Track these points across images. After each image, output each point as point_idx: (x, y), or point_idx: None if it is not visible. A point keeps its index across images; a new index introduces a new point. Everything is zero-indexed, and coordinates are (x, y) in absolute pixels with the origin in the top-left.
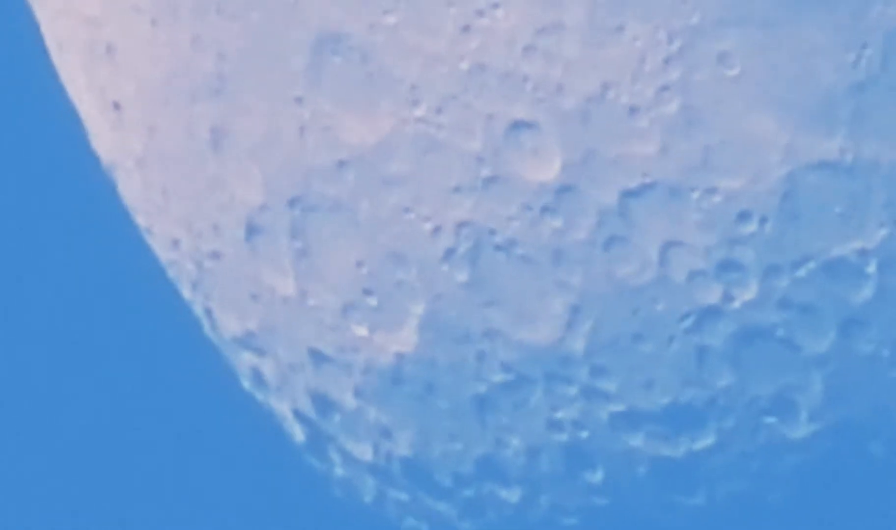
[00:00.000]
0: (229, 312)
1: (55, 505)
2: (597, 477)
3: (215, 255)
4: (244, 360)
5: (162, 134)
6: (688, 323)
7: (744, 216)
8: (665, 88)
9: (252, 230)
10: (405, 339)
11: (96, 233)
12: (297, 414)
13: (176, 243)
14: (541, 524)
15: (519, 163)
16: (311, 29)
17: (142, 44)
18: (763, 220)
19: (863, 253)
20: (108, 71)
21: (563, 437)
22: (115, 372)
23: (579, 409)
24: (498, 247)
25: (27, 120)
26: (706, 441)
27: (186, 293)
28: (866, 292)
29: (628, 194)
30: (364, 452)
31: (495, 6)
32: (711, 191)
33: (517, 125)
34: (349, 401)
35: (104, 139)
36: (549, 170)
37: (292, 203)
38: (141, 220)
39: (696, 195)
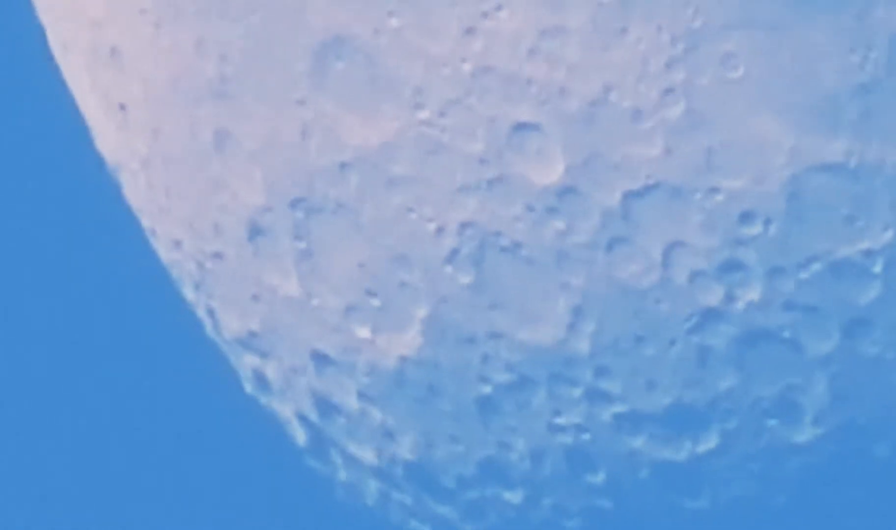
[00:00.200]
0: (232, 313)
1: (57, 507)
2: (599, 479)
3: (218, 256)
4: (246, 362)
5: (166, 135)
6: (691, 324)
7: (748, 217)
8: (669, 91)
9: (255, 231)
10: (408, 341)
11: (101, 234)
12: (300, 417)
13: (179, 244)
14: (543, 526)
15: (522, 164)
16: (315, 31)
17: (146, 46)
18: (767, 222)
19: (868, 254)
20: (113, 73)
21: (566, 439)
22: (117, 372)
23: (582, 411)
24: (501, 249)
25: (32, 121)
26: (709, 443)
27: (189, 294)
28: (871, 293)
29: (631, 196)
30: (367, 455)
31: (499, 8)
32: (715, 192)
33: (520, 127)
34: (352, 404)
35: (109, 141)
36: (552, 172)
37: (295, 204)
38: (145, 221)
39: (699, 196)
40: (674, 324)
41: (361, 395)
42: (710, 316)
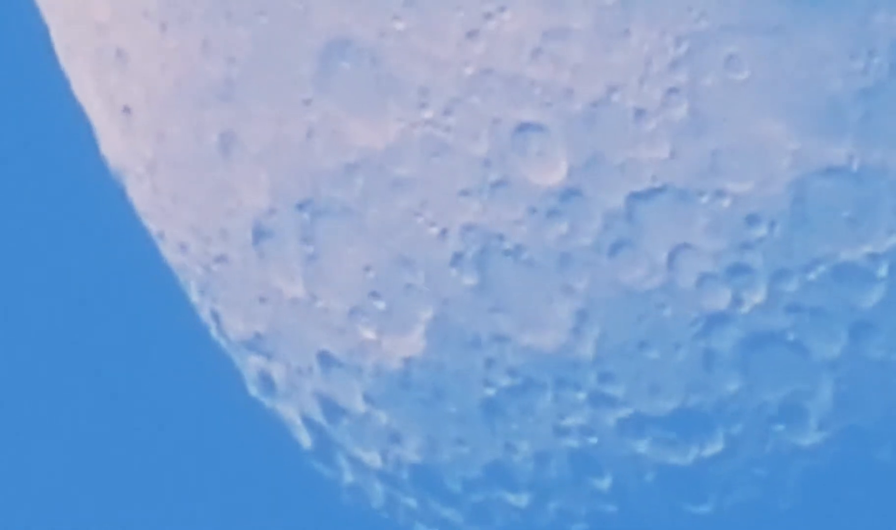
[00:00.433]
0: (237, 316)
1: (61, 508)
2: (605, 483)
3: (223, 259)
4: (252, 364)
5: (171, 139)
6: (696, 328)
7: (753, 220)
8: (673, 92)
9: (260, 234)
10: (413, 344)
11: (106, 237)
12: (305, 419)
13: (184, 247)
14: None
15: (526, 166)
16: (320, 34)
17: (151, 49)
18: (772, 225)
19: (872, 257)
20: (118, 76)
21: (571, 443)
22: (123, 375)
23: (587, 415)
24: (505, 252)
25: (37, 125)
26: (714, 447)
27: (195, 297)
28: (875, 296)
29: (636, 198)
30: (372, 457)
31: (503, 10)
32: (720, 195)
33: (524, 129)
34: (357, 406)
35: (114, 144)
36: (556, 174)
37: (300, 207)
38: (150, 225)
39: (704, 199)
40: (679, 328)
41: (367, 398)
42: (715, 319)
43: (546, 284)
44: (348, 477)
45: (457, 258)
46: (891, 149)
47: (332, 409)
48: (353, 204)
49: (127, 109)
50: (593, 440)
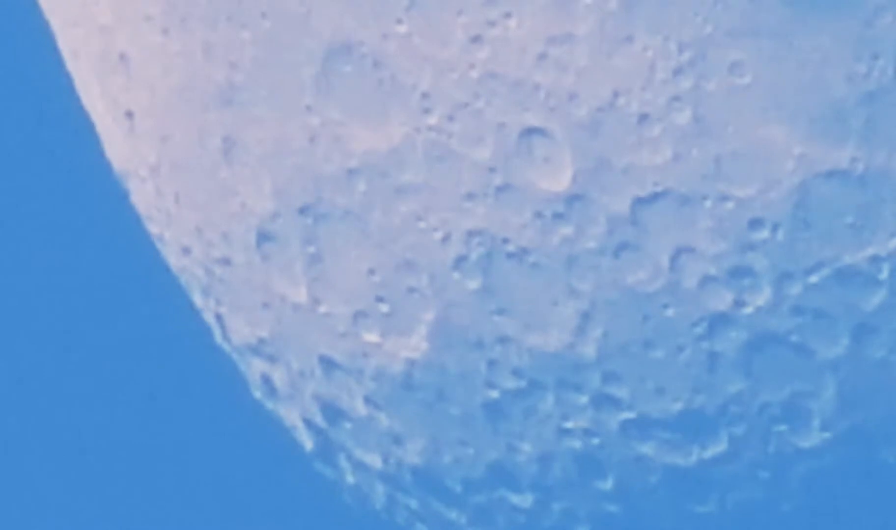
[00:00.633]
0: (240, 319)
1: (64, 509)
2: (608, 484)
3: (226, 263)
4: (255, 368)
5: (174, 142)
6: (699, 329)
7: (756, 224)
8: (676, 98)
9: (263, 238)
10: (416, 346)
11: (109, 240)
12: (308, 422)
13: (187, 250)
14: None
15: (530, 171)
16: (323, 38)
17: (154, 53)
18: (775, 228)
19: (875, 260)
20: (122, 79)
21: (575, 444)
22: (125, 378)
23: (590, 416)
24: (509, 255)
25: (41, 127)
26: (718, 448)
27: (197, 300)
28: (878, 299)
29: (640, 202)
30: (374, 459)
31: (507, 15)
32: (723, 198)
33: (529, 133)
34: (359, 409)
35: (117, 147)
36: (560, 179)
37: (303, 211)
38: (153, 228)
39: (707, 203)
40: (682, 330)
41: (369, 400)
42: (719, 321)
43: (550, 287)
44: (350, 479)
45: (460, 261)
46: (894, 153)
47: (334, 412)
48: (356, 208)
49: (130, 113)
50: (596, 441)
